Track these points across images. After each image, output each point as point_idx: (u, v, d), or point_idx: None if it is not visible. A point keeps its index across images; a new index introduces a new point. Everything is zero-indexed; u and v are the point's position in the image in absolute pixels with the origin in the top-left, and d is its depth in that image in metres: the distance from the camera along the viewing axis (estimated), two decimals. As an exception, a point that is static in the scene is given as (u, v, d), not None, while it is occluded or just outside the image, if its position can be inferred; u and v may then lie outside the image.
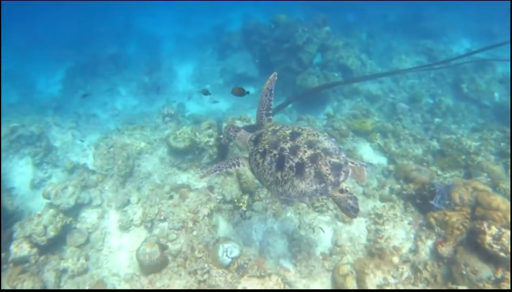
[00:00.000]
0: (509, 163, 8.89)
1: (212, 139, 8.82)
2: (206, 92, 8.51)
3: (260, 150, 4.20)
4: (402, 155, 9.50)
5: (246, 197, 7.95)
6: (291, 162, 3.87)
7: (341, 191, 3.93)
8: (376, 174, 9.28)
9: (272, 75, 4.60)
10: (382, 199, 8.27)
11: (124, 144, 8.98)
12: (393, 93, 13.20)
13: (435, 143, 10.09)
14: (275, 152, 4.01)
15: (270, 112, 4.77)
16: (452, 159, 9.22)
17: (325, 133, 4.29)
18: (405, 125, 10.99)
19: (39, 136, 9.85)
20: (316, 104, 12.45)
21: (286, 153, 3.93)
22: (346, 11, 17.07)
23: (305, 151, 3.90)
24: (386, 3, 20.37)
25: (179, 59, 17.82)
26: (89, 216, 7.97)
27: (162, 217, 7.56)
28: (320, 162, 3.81)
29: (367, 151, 9.91)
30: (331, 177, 3.78)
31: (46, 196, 7.69)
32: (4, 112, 11.91)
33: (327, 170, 3.79)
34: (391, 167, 9.25)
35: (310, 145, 3.97)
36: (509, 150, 9.21)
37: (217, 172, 4.66)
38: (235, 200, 7.88)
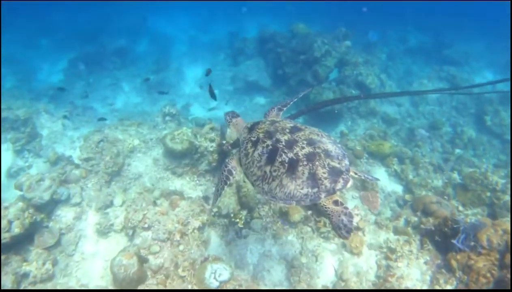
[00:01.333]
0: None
1: (214, 144, 7.96)
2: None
3: (252, 139, 3.75)
4: (420, 185, 8.59)
5: (244, 212, 7.05)
6: (284, 156, 3.37)
7: (336, 203, 3.40)
8: (390, 202, 8.39)
9: (308, 89, 4.92)
10: (396, 231, 7.35)
11: (115, 139, 8.11)
12: (412, 118, 12.36)
13: (456, 176, 9.17)
14: (268, 142, 3.54)
15: (284, 109, 4.60)
16: (476, 195, 8.31)
17: (331, 137, 3.74)
18: (423, 152, 10.09)
19: (24, 121, 8.99)
20: (329, 120, 11.61)
21: (281, 145, 3.44)
22: (367, 30, 16.37)
23: (302, 147, 3.39)
24: (407, 28, 19.82)
25: (189, 61, 17.12)
26: (64, 215, 7.04)
27: (146, 225, 6.62)
28: (317, 163, 3.28)
29: (382, 176, 9.01)
30: (326, 182, 3.21)
31: (19, 187, 6.80)
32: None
33: (323, 173, 3.24)
34: (408, 196, 8.36)
35: (311, 142, 3.46)
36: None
37: (221, 195, 4.13)
38: (232, 215, 7.00)
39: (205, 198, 7.47)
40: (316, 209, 7.24)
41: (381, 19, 20.23)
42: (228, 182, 4.07)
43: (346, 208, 3.34)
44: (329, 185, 3.20)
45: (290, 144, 3.42)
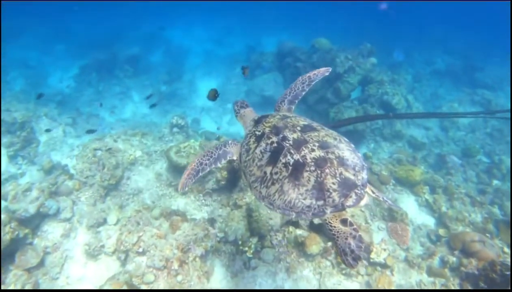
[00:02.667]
0: None
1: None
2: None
3: (257, 133, 3.25)
4: (456, 219, 7.54)
5: (254, 240, 6.12)
6: (289, 157, 2.86)
7: (344, 222, 2.83)
8: (420, 236, 7.37)
9: (325, 69, 3.91)
10: (431, 272, 6.32)
11: (115, 149, 7.32)
12: (440, 143, 11.32)
13: (496, 210, 8.08)
14: (274, 139, 3.05)
15: (296, 102, 3.91)
16: (523, 235, 7.20)
17: (352, 144, 3.10)
18: (456, 182, 9.04)
19: (22, 125, 8.29)
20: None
21: (287, 144, 2.94)
22: (391, 50, 15.53)
23: (312, 150, 2.87)
24: (433, 50, 18.98)
25: (203, 73, 16.49)
26: (51, 231, 6.21)
27: (141, 250, 5.73)
28: (327, 170, 2.75)
29: (410, 206, 7.99)
30: (335, 195, 2.69)
31: (4, 196, 6.03)
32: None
33: (333, 183, 2.71)
34: (442, 231, 7.30)
35: (324, 145, 2.92)
36: None
37: (199, 173, 3.44)
38: (240, 242, 6.09)
39: (211, 221, 6.57)
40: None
41: (405, 39, 19.49)
42: (216, 165, 3.47)
43: (356, 230, 2.75)
44: (338, 199, 2.67)
45: (299, 144, 2.90)
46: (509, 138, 11.23)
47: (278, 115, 3.41)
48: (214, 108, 13.80)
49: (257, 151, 3.08)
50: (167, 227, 6.16)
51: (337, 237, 2.78)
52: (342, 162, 2.81)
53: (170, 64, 16.99)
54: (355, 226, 2.78)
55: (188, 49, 19.77)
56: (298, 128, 3.09)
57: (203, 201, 7.09)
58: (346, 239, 2.72)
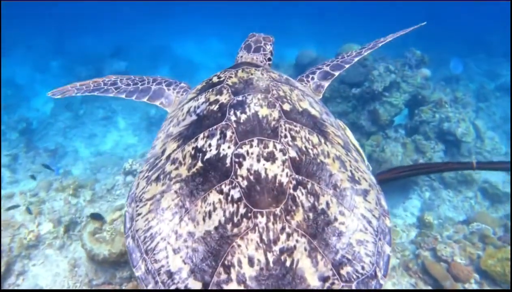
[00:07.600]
0: None
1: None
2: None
3: (215, 78, 1.97)
4: None
5: None
6: (213, 140, 1.46)
7: None
8: None
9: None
10: None
11: (3, 222, 4.50)
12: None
13: None
14: (223, 98, 1.66)
15: (332, 76, 2.51)
16: None
17: (389, 220, 1.58)
18: None
19: None
20: (393, 186, 7.37)
21: (233, 118, 1.52)
22: (444, 58, 11.92)
23: (270, 157, 1.38)
24: (494, 59, 15.21)
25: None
26: None
27: None
28: (262, 220, 1.25)
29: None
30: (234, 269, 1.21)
31: None
32: None
33: (250, 263, 1.20)
34: None
35: (306, 166, 1.42)
36: None
37: (94, 91, 2.32)
38: None
39: None
40: None
41: (453, 45, 15.83)
42: (132, 96, 2.34)
43: None
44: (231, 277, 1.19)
45: (252, 129, 1.42)
46: None
47: (277, 73, 1.91)
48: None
49: (186, 106, 1.75)
50: None
51: None
52: (322, 228, 1.25)
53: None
54: None
55: (199, 65, 17.21)
56: (287, 106, 1.56)
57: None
58: None
